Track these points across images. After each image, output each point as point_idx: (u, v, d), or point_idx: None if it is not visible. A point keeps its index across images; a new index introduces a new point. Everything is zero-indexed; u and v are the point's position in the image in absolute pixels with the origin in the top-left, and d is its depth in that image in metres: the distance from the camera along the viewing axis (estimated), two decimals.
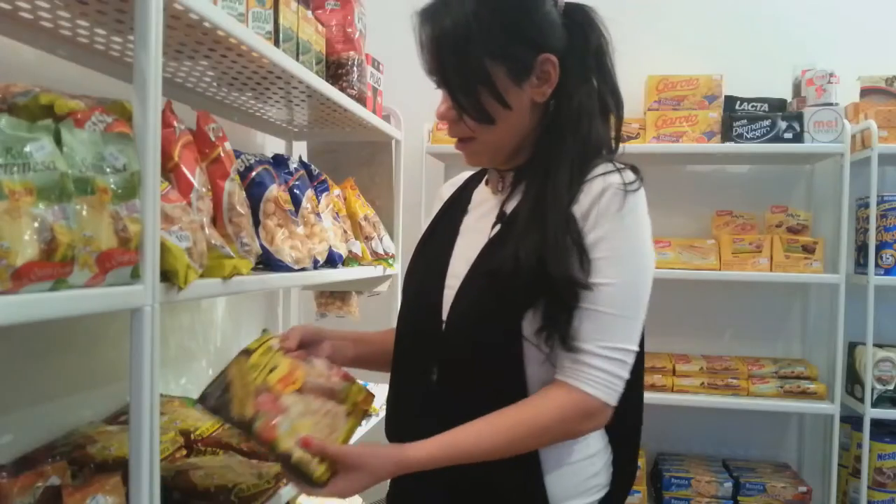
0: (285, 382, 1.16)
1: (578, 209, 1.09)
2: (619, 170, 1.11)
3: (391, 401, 1.28)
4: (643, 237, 1.10)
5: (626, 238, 1.08)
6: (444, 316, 1.16)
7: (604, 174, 1.10)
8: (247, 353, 1.20)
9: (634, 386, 1.13)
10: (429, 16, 1.11)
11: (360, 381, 1.27)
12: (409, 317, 1.26)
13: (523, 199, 1.15)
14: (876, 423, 2.50)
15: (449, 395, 1.15)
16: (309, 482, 1.06)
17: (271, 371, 1.17)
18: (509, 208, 1.18)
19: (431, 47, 1.11)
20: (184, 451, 1.56)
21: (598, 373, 1.06)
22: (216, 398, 1.12)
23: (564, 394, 1.07)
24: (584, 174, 1.11)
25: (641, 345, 1.12)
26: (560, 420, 1.07)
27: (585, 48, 1.16)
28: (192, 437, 1.61)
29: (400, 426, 1.24)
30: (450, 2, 1.10)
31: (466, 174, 1.40)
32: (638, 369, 1.13)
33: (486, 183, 1.29)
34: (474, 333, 1.13)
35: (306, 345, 1.27)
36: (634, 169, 1.12)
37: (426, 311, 1.20)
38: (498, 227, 1.17)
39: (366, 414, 1.22)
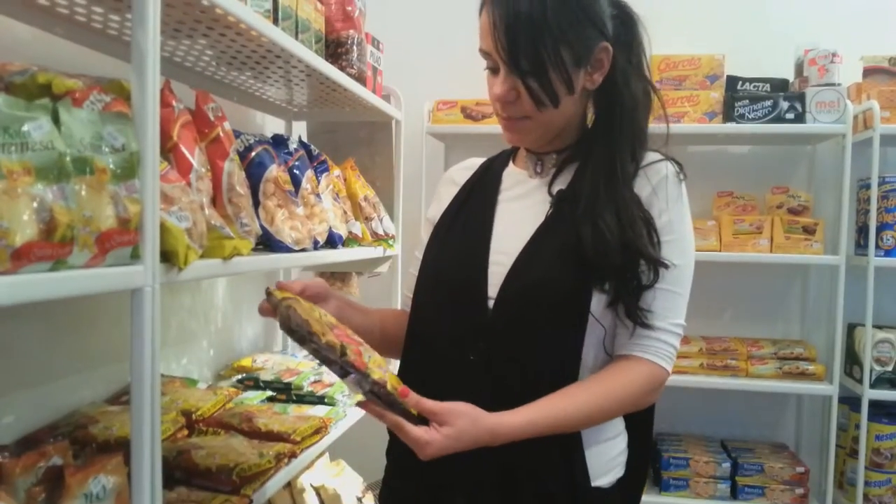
0: (341, 325, 1.13)
1: (641, 193, 1.17)
2: (668, 159, 1.21)
3: (415, 380, 1.13)
4: (691, 225, 1.22)
5: (685, 223, 1.20)
6: (493, 293, 1.17)
7: (659, 161, 1.20)
8: (293, 298, 1.12)
9: None
10: (504, 3, 1.12)
11: None
12: (441, 296, 1.24)
13: (580, 179, 1.20)
14: (874, 405, 2.51)
15: (493, 374, 1.15)
16: (401, 411, 1.04)
17: (323, 314, 1.14)
18: (556, 189, 1.22)
19: (504, 30, 1.11)
20: (185, 431, 1.57)
21: (669, 347, 1.16)
22: (301, 325, 1.05)
23: (645, 367, 1.15)
24: (640, 161, 1.20)
25: None
26: (642, 391, 1.15)
27: (632, 43, 1.22)
28: (194, 417, 1.61)
29: None
30: None
31: (476, 160, 1.42)
32: None
33: (515, 163, 1.33)
34: (532, 312, 1.15)
35: (311, 298, 1.21)
36: (676, 161, 1.22)
37: (467, 289, 1.20)
38: (552, 206, 1.20)
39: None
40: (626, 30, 1.21)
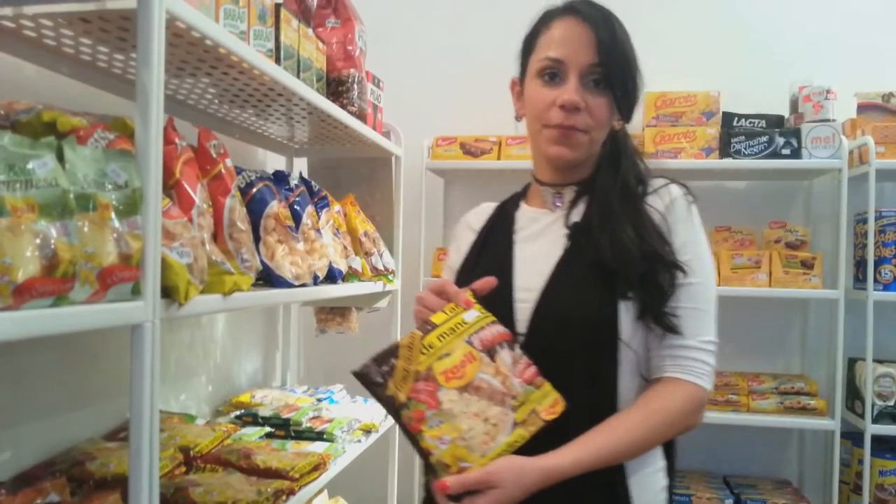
0: (450, 375, 1.09)
1: (653, 216, 1.21)
2: (675, 182, 1.26)
3: None
4: (706, 243, 1.24)
5: (700, 242, 1.22)
6: (521, 329, 1.20)
7: (666, 185, 1.25)
8: (430, 327, 1.11)
9: None
10: (601, 21, 1.22)
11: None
12: None
13: (594, 208, 1.25)
14: (877, 439, 2.49)
15: None
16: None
17: (441, 358, 1.09)
18: (571, 222, 1.26)
19: (611, 49, 1.21)
20: (183, 468, 1.55)
21: (705, 366, 1.16)
22: (376, 369, 1.07)
23: (681, 388, 1.15)
24: (646, 185, 1.26)
25: None
26: (683, 413, 1.15)
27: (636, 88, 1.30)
28: (192, 453, 1.60)
29: None
30: (612, 17, 1.24)
31: (489, 204, 1.45)
32: None
33: (528, 202, 1.37)
34: (564, 341, 1.17)
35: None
36: (683, 184, 1.26)
37: None
38: (569, 238, 1.24)
39: (545, 423, 1.10)
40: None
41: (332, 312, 2.51)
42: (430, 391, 1.07)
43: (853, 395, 2.60)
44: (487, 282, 1.17)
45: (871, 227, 2.47)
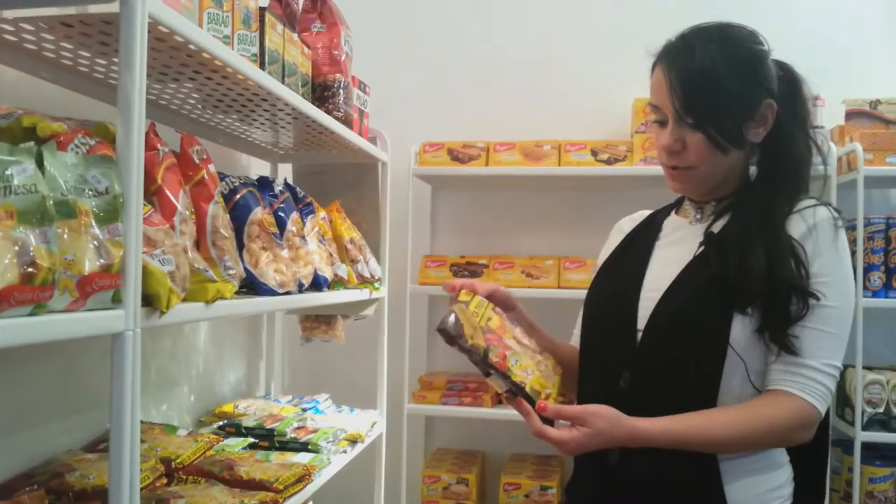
0: (502, 331, 1.27)
1: (794, 233, 1.22)
2: (824, 204, 1.26)
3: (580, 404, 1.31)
4: (850, 268, 1.24)
5: (842, 267, 1.22)
6: (641, 326, 1.26)
7: (814, 206, 1.25)
8: (465, 302, 1.27)
9: None
10: (678, 59, 1.24)
11: None
12: (599, 328, 1.36)
13: (733, 222, 1.27)
14: (866, 447, 2.48)
15: (637, 401, 1.21)
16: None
17: (488, 319, 1.27)
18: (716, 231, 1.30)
19: (680, 85, 1.22)
20: (164, 480, 1.53)
21: (821, 386, 1.18)
22: (454, 326, 1.20)
23: (792, 401, 1.17)
24: (793, 206, 1.26)
25: None
26: (787, 425, 1.17)
27: (796, 101, 1.31)
28: (173, 465, 1.58)
29: None
30: (698, 48, 1.23)
31: (645, 211, 1.52)
32: None
33: (677, 213, 1.42)
34: (676, 340, 1.22)
35: (499, 302, 1.34)
36: (836, 208, 1.26)
37: (621, 322, 1.29)
38: (702, 247, 1.28)
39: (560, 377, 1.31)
40: (791, 89, 1.30)
41: (317, 320, 2.48)
42: (499, 339, 1.24)
43: (843, 402, 2.60)
44: (458, 284, 1.30)
45: (860, 233, 2.47)
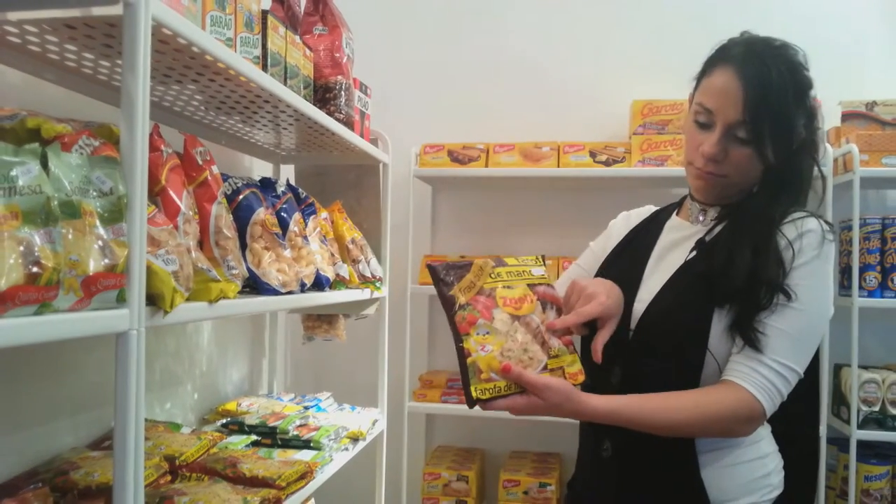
0: (508, 302, 1.24)
1: (781, 241, 1.24)
2: (814, 216, 1.28)
3: None
4: (830, 284, 1.26)
5: (820, 277, 1.23)
6: (632, 326, 1.31)
7: (805, 217, 1.27)
8: (501, 262, 1.28)
9: (809, 399, 1.28)
10: (755, 77, 1.23)
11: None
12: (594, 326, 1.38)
13: (729, 226, 1.31)
14: (862, 445, 2.50)
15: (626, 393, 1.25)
16: (466, 385, 1.16)
17: (505, 287, 1.25)
18: (709, 238, 1.34)
19: (760, 107, 1.23)
20: (168, 477, 1.54)
21: (769, 384, 1.19)
22: (449, 271, 1.22)
23: (738, 393, 1.19)
24: (787, 216, 1.28)
25: (816, 371, 1.29)
26: (731, 416, 1.20)
27: (813, 126, 1.32)
28: (177, 462, 1.59)
29: None
30: (773, 69, 1.24)
31: (651, 207, 1.56)
32: (814, 388, 1.30)
33: (678, 213, 1.46)
34: (661, 339, 1.27)
35: (569, 296, 1.31)
36: (827, 222, 1.28)
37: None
38: (694, 252, 1.32)
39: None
40: (814, 114, 1.32)
41: (319, 320, 2.50)
42: (487, 305, 1.22)
43: (839, 400, 2.61)
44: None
45: (856, 234, 2.48)
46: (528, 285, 1.28)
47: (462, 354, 1.17)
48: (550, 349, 1.23)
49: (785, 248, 1.23)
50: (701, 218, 1.39)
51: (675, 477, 1.27)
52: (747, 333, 1.20)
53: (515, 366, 1.17)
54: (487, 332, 1.19)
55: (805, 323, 1.21)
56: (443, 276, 1.21)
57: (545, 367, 1.21)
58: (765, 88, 1.22)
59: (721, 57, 1.30)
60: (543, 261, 1.34)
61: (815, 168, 1.34)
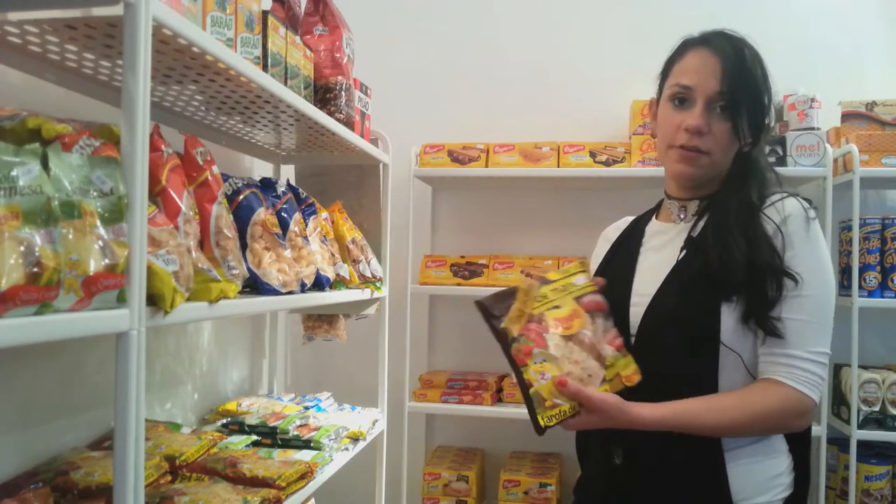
0: (559, 324, 1.24)
1: (767, 227, 1.27)
2: (794, 196, 1.31)
3: None
4: (828, 257, 1.28)
5: (816, 255, 1.26)
6: (633, 330, 1.33)
7: (783, 199, 1.30)
8: (545, 281, 1.28)
9: None
10: (729, 53, 1.30)
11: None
12: None
13: (710, 223, 1.33)
14: (862, 445, 2.50)
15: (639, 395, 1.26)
16: (533, 415, 1.18)
17: (552, 308, 1.25)
18: (695, 234, 1.35)
19: (735, 78, 1.29)
20: (168, 477, 1.54)
21: (810, 375, 1.22)
22: (496, 304, 1.22)
23: (784, 390, 1.22)
24: (764, 200, 1.32)
25: None
26: (780, 413, 1.22)
27: (772, 116, 1.38)
28: (177, 462, 1.59)
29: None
30: (745, 49, 1.32)
31: (629, 218, 1.58)
32: None
33: (658, 217, 1.48)
34: (668, 341, 1.28)
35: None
36: (806, 198, 1.31)
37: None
38: (684, 250, 1.34)
39: (625, 387, 1.25)
40: (771, 104, 1.36)
41: (319, 320, 2.50)
42: (539, 332, 1.22)
43: (839, 400, 2.61)
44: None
45: (856, 234, 2.48)
46: (576, 299, 1.29)
47: (524, 386, 1.19)
48: (605, 359, 1.24)
49: (774, 233, 1.26)
50: (682, 216, 1.41)
51: (699, 476, 1.28)
52: (766, 325, 1.22)
53: (572, 382, 1.19)
54: (545, 360, 1.20)
55: (818, 306, 1.24)
56: (492, 310, 1.22)
57: (603, 380, 1.24)
58: (740, 62, 1.29)
59: (690, 43, 1.36)
60: (586, 266, 1.36)
61: (769, 156, 1.38)
